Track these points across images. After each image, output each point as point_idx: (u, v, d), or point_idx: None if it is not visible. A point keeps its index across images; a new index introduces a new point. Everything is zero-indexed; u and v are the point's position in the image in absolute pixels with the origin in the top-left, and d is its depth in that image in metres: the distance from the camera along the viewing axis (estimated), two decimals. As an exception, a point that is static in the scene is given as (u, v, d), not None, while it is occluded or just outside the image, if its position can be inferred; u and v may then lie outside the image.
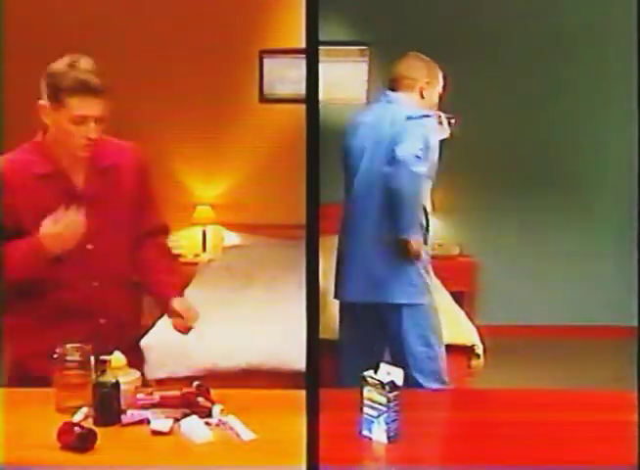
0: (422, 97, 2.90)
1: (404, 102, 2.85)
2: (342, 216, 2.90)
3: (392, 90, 2.92)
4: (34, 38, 4.58)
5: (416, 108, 2.81)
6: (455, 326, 3.23)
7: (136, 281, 2.27)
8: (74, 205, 2.00)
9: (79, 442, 1.74)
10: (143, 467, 1.73)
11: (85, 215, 2.01)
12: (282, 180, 4.75)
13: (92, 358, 2.01)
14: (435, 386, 2.71)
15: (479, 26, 4.62)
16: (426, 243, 2.84)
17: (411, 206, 2.68)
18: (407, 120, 2.70)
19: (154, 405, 1.93)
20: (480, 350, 3.17)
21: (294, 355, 2.88)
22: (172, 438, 1.83)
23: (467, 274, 5.00)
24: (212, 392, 2.01)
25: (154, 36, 4.75)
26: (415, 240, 2.73)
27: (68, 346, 2.03)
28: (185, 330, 2.21)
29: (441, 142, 2.80)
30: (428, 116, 2.77)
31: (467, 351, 3.15)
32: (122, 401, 1.92)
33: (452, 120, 2.88)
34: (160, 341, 3.13)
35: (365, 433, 1.82)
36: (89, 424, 1.85)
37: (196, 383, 2.03)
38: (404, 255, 2.72)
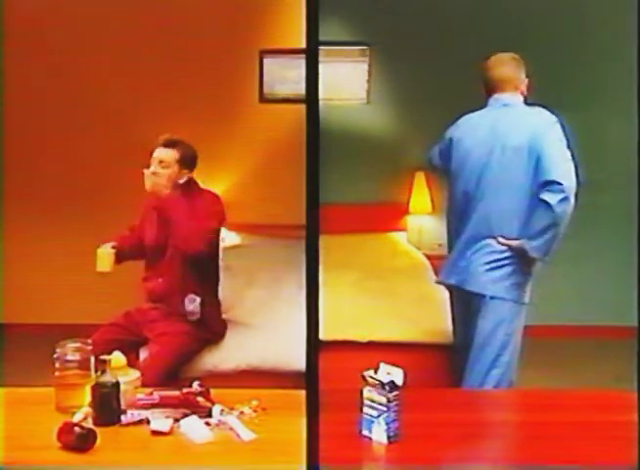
0: (524, 97, 2.81)
1: (522, 106, 2.77)
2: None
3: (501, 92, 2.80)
4: (34, 37, 4.59)
5: (541, 113, 2.71)
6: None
7: None
8: None
9: (79, 442, 1.74)
10: (143, 467, 1.73)
11: None
12: (282, 180, 4.73)
13: (92, 358, 2.02)
14: None
15: (479, 27, 4.62)
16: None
17: (561, 229, 2.63)
18: (549, 135, 2.62)
19: (153, 405, 1.94)
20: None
21: (294, 355, 2.88)
22: (172, 438, 1.83)
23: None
24: (212, 392, 2.01)
25: (153, 36, 4.74)
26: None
27: (69, 345, 2.03)
28: None
29: None
30: (557, 122, 2.67)
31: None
32: (122, 401, 1.92)
33: None
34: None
35: (365, 433, 1.82)
36: (89, 424, 1.85)
37: (196, 383, 2.03)
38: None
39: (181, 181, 2.87)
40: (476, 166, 2.76)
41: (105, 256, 2.84)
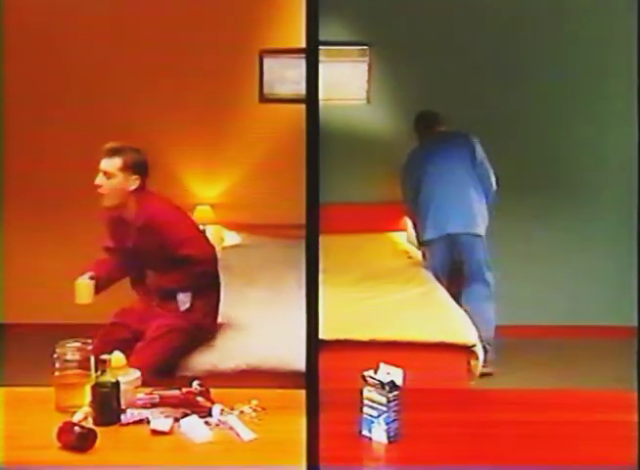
0: None
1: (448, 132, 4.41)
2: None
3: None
4: (33, 37, 4.59)
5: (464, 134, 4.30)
6: (455, 326, 3.23)
7: None
8: None
9: (79, 441, 1.74)
10: (143, 467, 1.73)
11: None
12: (282, 180, 4.73)
13: (92, 358, 2.02)
14: None
15: (478, 26, 4.62)
16: None
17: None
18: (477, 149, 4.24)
19: (153, 405, 1.94)
20: (479, 351, 3.17)
21: (294, 355, 2.88)
22: (172, 437, 1.83)
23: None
24: (212, 391, 2.01)
25: (153, 36, 4.74)
26: None
27: (68, 345, 2.03)
28: None
29: None
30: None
31: (467, 351, 3.15)
32: (122, 401, 1.92)
33: None
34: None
35: (365, 433, 1.82)
36: (89, 424, 1.86)
37: (196, 382, 2.03)
38: None
39: (132, 188, 2.77)
40: (444, 175, 4.15)
41: (83, 287, 2.72)
